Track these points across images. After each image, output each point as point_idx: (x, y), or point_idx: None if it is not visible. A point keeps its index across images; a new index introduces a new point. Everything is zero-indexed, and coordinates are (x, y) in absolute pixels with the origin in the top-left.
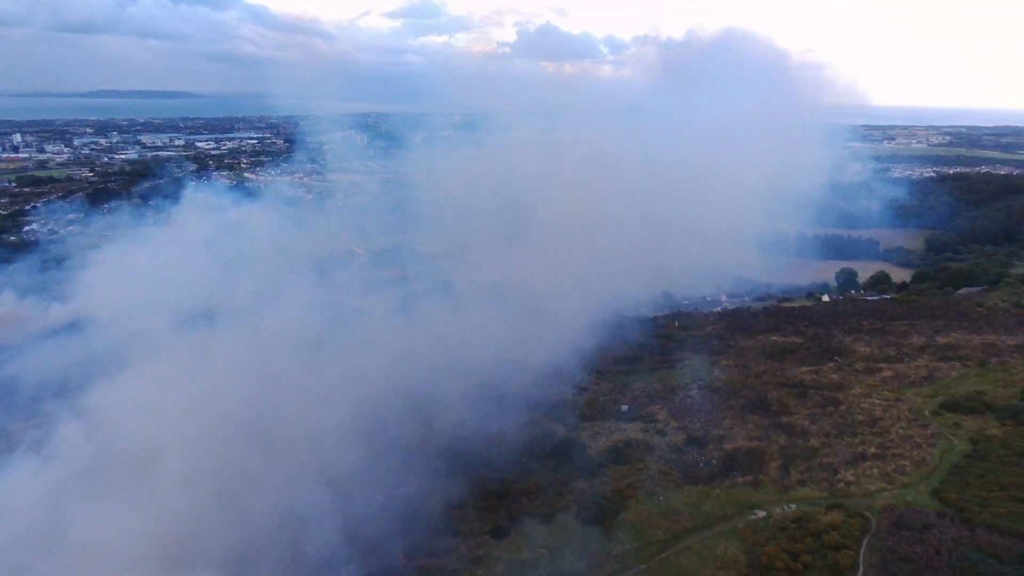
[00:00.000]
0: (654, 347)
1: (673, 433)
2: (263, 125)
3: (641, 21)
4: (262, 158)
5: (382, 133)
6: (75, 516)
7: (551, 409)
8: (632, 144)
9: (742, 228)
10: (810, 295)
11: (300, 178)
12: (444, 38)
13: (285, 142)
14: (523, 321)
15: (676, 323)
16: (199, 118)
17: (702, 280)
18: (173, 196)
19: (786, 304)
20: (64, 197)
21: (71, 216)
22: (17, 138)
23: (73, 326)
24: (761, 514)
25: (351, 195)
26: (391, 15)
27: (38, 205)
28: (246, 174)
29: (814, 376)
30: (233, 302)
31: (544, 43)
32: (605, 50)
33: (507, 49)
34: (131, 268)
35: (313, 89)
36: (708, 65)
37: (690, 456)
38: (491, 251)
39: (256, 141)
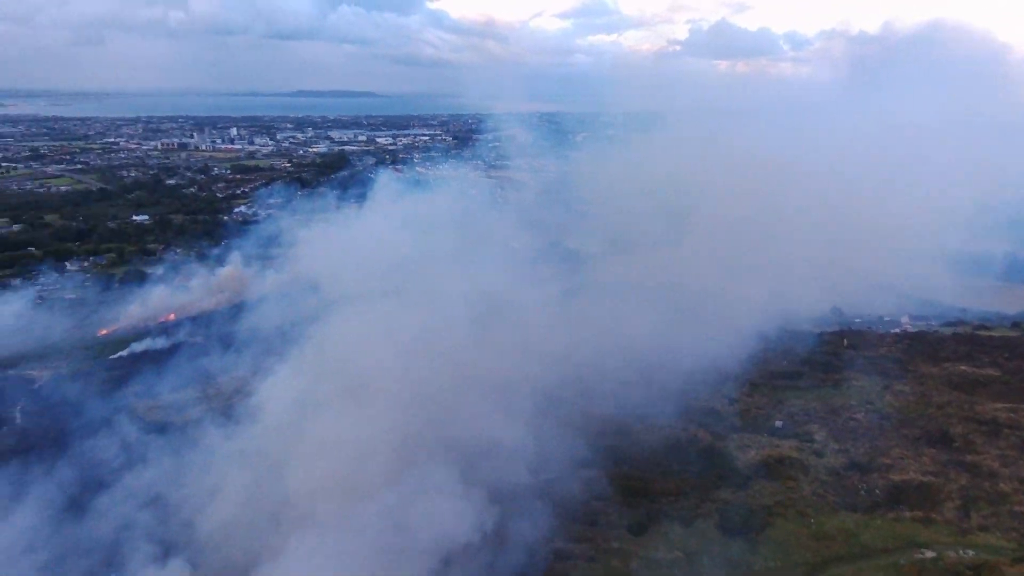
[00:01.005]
0: (817, 364)
1: (832, 455)
2: (435, 123)
3: (829, 15)
4: (432, 153)
5: (547, 132)
6: (316, 418)
7: (701, 416)
8: (811, 146)
9: (935, 244)
10: (1016, 324)
11: (466, 173)
12: (613, 37)
13: (453, 139)
14: (680, 324)
15: (845, 341)
16: (379, 116)
17: (880, 298)
18: (356, 184)
19: (983, 332)
20: (266, 184)
21: (272, 200)
22: (233, 132)
23: (289, 288)
24: (930, 554)
25: (512, 191)
26: (563, 15)
27: (246, 190)
28: (417, 168)
29: (1011, 415)
30: (414, 281)
31: (718, 41)
32: (786, 47)
33: (678, 47)
34: (332, 242)
35: (483, 89)
36: (907, 61)
37: (850, 481)
38: (652, 252)
39: (428, 137)
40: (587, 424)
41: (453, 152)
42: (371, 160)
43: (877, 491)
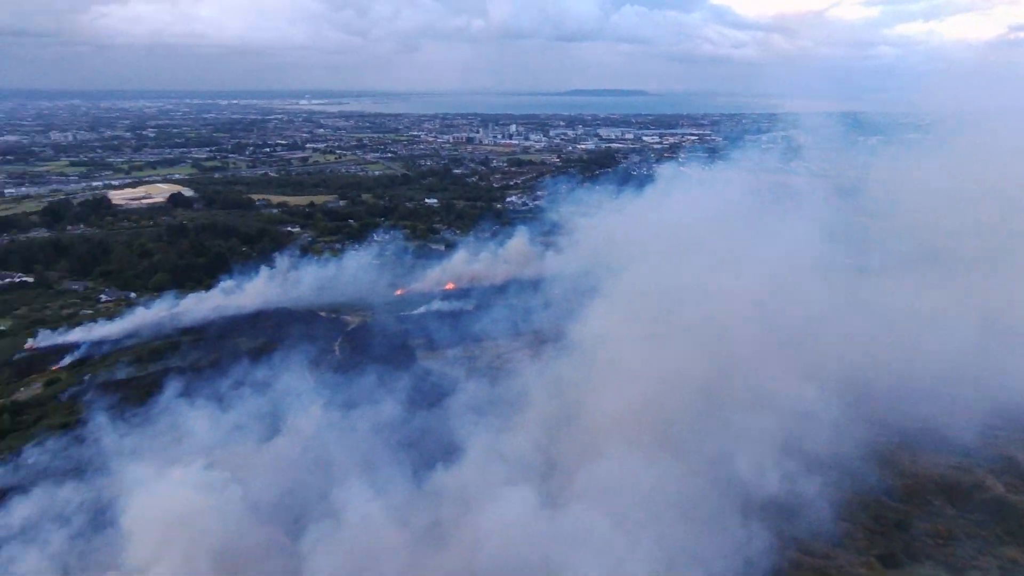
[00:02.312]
0: None
1: None
2: (705, 122)
3: None
4: (699, 153)
5: (830, 133)
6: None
7: (994, 460)
8: None
9: None
10: None
11: (734, 174)
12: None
13: (724, 139)
14: (994, 352)
15: None
16: (648, 114)
17: None
18: (620, 179)
19: None
20: (535, 177)
21: (541, 192)
22: (512, 128)
23: (570, 264)
24: None
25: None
26: (866, 3)
27: (518, 181)
28: (681, 168)
29: None
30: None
31: None
32: None
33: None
34: (613, 225)
35: (765, 87)
36: None
37: None
38: (964, 270)
39: (696, 137)
40: (848, 445)
41: (722, 152)
42: (636, 157)
43: None
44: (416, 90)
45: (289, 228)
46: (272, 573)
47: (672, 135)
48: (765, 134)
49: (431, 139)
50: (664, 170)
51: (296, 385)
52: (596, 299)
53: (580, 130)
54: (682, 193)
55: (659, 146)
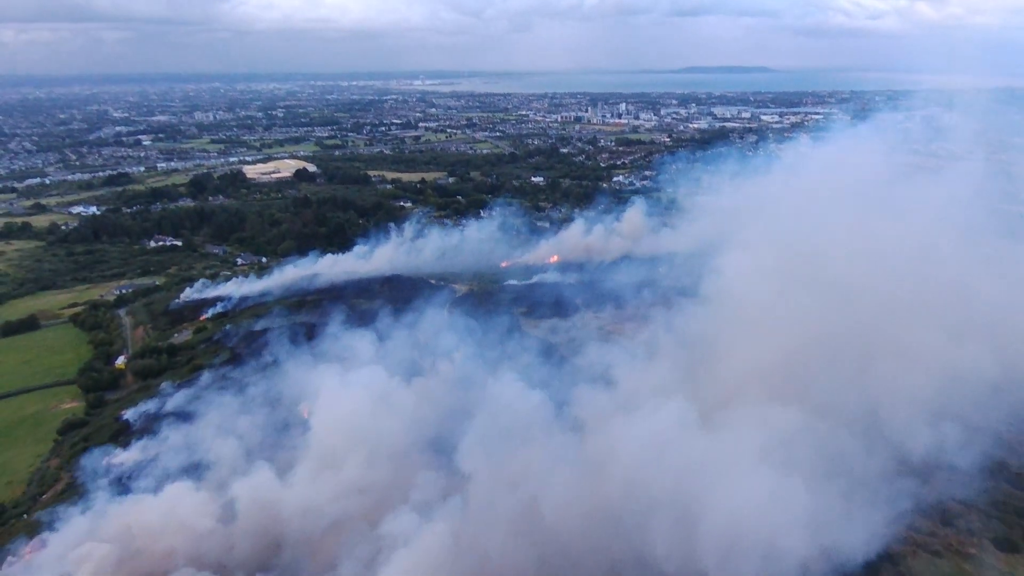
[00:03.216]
0: None
1: None
2: (832, 100)
3: None
4: (823, 133)
5: (983, 111)
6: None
7: None
8: None
9: None
10: None
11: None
12: None
13: (853, 118)
14: None
15: None
16: (768, 92)
17: None
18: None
19: None
20: (644, 157)
21: (648, 172)
22: (622, 107)
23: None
24: None
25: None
26: None
27: (626, 161)
28: (798, 147)
29: None
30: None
31: None
32: None
33: None
34: (725, 205)
35: (903, 61)
36: None
37: None
38: None
39: (820, 116)
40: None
41: (849, 131)
42: (752, 137)
43: None
44: (527, 69)
45: (401, 203)
46: (436, 480)
47: (794, 114)
48: (902, 112)
49: (539, 118)
50: (781, 148)
51: (421, 336)
52: (734, 255)
53: (693, 109)
54: (806, 169)
55: (778, 125)
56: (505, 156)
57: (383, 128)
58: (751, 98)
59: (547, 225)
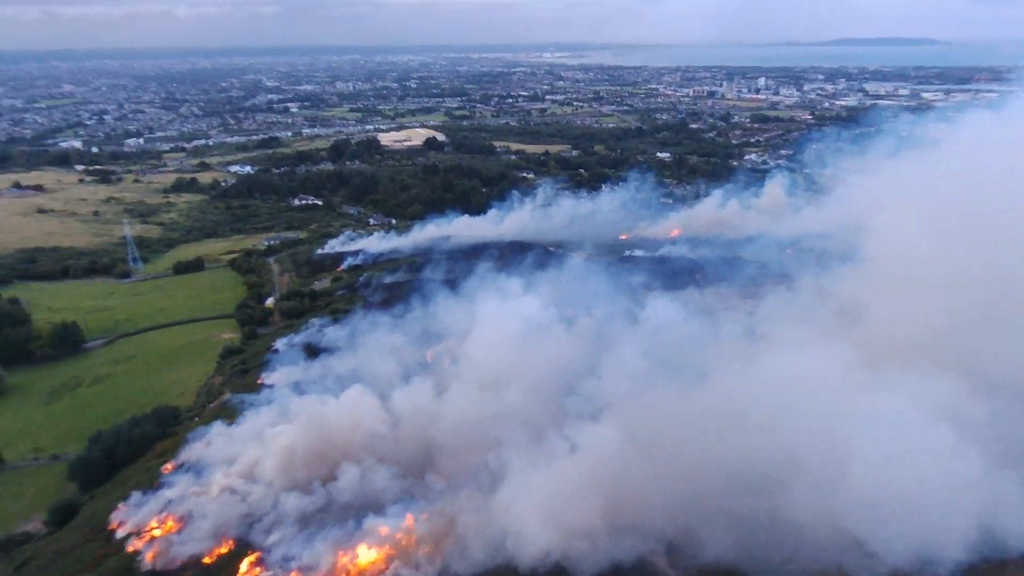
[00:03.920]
0: None
1: None
2: (1012, 77)
3: None
4: (996, 112)
5: None
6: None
7: None
8: None
9: None
10: None
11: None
12: None
13: None
14: None
15: None
16: (932, 67)
17: None
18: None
19: None
20: (781, 135)
21: (784, 151)
22: (761, 82)
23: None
24: None
25: None
26: None
27: (760, 139)
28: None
29: None
30: None
31: None
32: None
33: None
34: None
35: None
36: None
37: None
38: None
39: (995, 95)
40: None
41: None
42: (908, 116)
43: None
44: (659, 42)
45: (525, 174)
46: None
47: (963, 91)
48: None
49: (670, 92)
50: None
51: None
52: (891, 212)
53: (841, 84)
54: (974, 150)
55: (942, 104)
56: (631, 130)
57: (510, 100)
58: (911, 73)
59: (670, 201)
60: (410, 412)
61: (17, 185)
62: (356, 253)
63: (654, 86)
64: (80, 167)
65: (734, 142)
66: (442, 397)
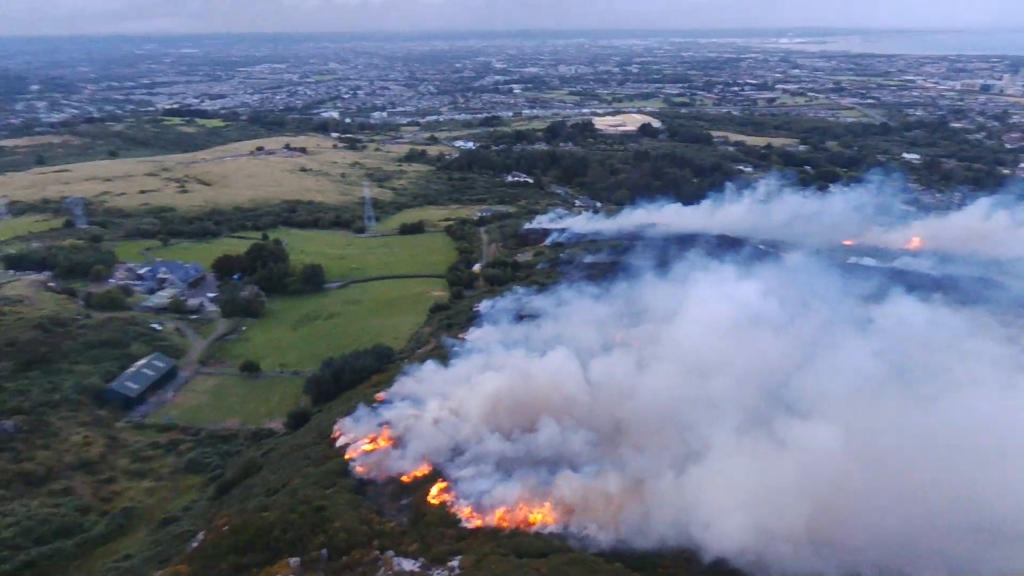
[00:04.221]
0: None
1: None
2: None
3: None
4: None
5: None
6: None
7: None
8: None
9: None
10: None
11: None
12: None
13: None
14: None
15: None
16: None
17: None
18: None
19: None
20: None
21: None
22: None
23: None
24: None
25: None
26: None
27: None
28: None
29: None
30: None
31: None
32: None
33: None
34: None
35: None
36: None
37: None
38: None
39: None
40: None
41: None
42: None
43: None
44: (923, 27)
45: (741, 167)
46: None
47: None
48: None
49: (930, 85)
50: None
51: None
52: None
53: None
54: None
55: None
56: (874, 127)
57: (735, 88)
58: None
59: (912, 209)
60: (609, 383)
61: (287, 147)
62: (561, 231)
63: (910, 77)
64: (335, 134)
65: (1008, 146)
66: (642, 374)
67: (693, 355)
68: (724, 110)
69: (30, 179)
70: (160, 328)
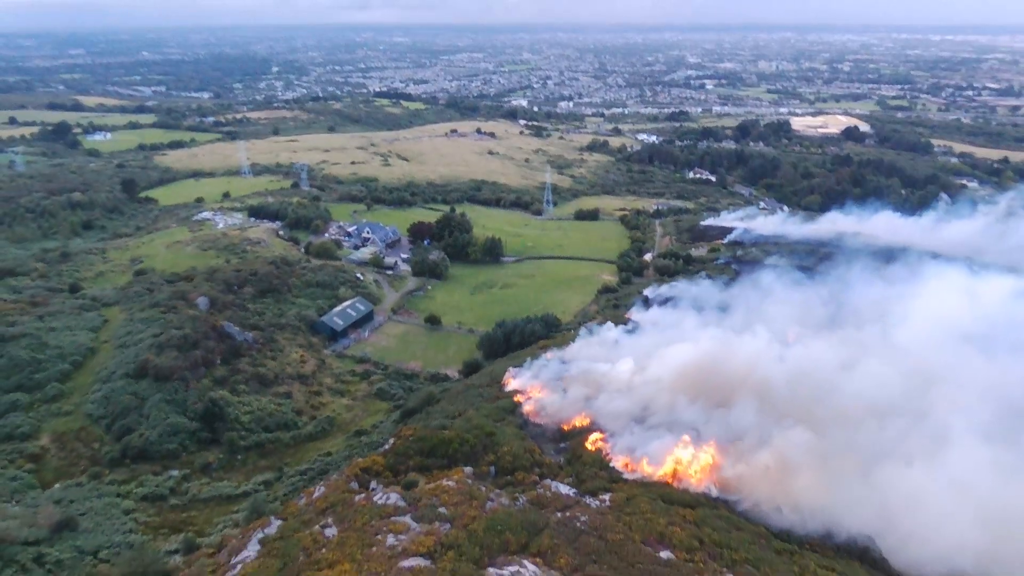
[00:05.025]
0: None
1: None
2: None
3: None
4: None
5: None
6: None
7: None
8: None
9: None
10: None
11: None
12: None
13: None
14: None
15: None
16: None
17: None
18: None
19: None
20: None
21: None
22: None
23: None
24: None
25: None
26: None
27: None
28: None
29: None
30: None
31: None
32: None
33: None
34: None
35: None
36: None
37: None
38: None
39: None
40: None
41: None
42: None
43: None
44: None
45: (964, 180)
46: None
47: None
48: None
49: None
50: None
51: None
52: None
53: None
54: None
55: None
56: None
57: (969, 92)
58: None
59: None
60: (812, 375)
61: (478, 131)
62: (744, 231)
63: None
64: (522, 121)
65: None
66: (850, 372)
67: (917, 361)
68: (951, 116)
69: (267, 146)
70: (362, 278)
